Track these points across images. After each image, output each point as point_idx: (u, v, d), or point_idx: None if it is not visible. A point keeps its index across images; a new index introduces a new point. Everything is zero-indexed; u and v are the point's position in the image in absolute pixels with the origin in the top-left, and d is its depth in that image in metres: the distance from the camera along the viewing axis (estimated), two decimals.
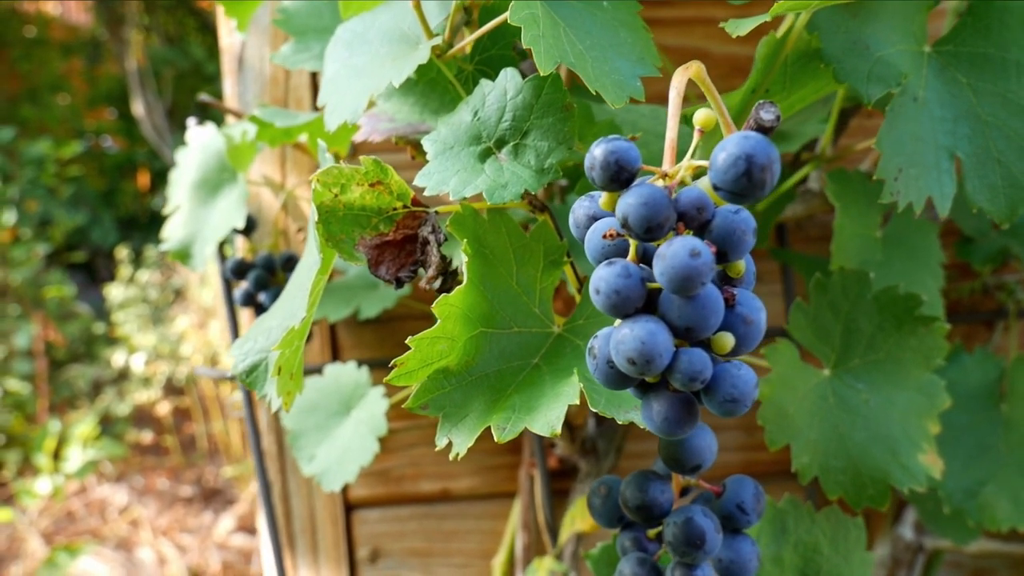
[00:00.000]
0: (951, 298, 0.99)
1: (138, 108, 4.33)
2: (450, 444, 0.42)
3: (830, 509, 0.60)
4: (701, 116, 0.33)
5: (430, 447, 0.95)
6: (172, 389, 3.76)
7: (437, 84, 0.55)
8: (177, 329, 3.55)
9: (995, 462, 0.79)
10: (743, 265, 0.34)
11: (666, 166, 0.33)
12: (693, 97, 0.80)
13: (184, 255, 0.74)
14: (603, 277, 0.32)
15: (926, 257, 0.75)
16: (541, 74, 0.39)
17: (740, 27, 0.42)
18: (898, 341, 0.64)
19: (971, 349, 0.85)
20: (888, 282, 0.64)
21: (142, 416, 3.85)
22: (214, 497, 3.44)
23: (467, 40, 0.48)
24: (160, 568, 2.88)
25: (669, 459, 0.44)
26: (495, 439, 0.39)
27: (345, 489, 0.94)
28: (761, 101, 0.33)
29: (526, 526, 0.91)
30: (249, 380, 0.48)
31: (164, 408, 3.60)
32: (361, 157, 0.43)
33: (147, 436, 3.79)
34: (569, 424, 0.86)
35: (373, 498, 0.95)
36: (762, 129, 0.32)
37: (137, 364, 3.51)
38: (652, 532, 0.50)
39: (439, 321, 0.40)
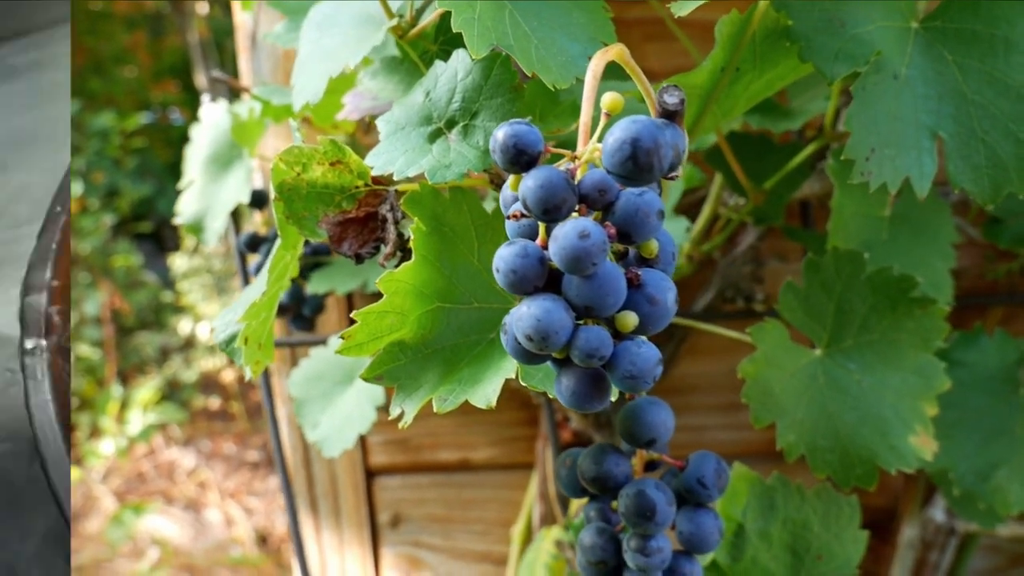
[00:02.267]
0: (987, 279, 0.96)
1: (200, 81, 4.39)
2: (416, 411, 0.43)
3: (821, 487, 0.60)
4: (608, 100, 0.33)
5: (448, 418, 0.96)
6: None
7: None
8: None
9: (1010, 446, 0.77)
10: (655, 245, 0.35)
11: (579, 149, 0.34)
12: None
13: (197, 228, 0.77)
14: (502, 256, 0.33)
15: (935, 237, 0.73)
16: (473, 58, 0.40)
17: (683, 7, 0.42)
18: (893, 322, 0.62)
19: (1012, 332, 0.82)
20: (893, 263, 0.63)
21: (208, 383, 3.96)
22: None
23: (428, 20, 0.49)
24: (227, 528, 2.98)
25: (624, 433, 0.45)
26: (434, 410, 0.41)
27: (365, 456, 0.96)
28: (665, 84, 0.33)
29: (542, 497, 0.93)
30: (229, 350, 0.50)
31: (229, 375, 3.70)
32: (319, 137, 0.44)
33: (214, 402, 3.90)
34: None
35: (393, 465, 0.97)
36: (666, 112, 0.32)
37: (203, 332, 3.61)
38: (615, 504, 0.51)
39: (385, 296, 0.42)
